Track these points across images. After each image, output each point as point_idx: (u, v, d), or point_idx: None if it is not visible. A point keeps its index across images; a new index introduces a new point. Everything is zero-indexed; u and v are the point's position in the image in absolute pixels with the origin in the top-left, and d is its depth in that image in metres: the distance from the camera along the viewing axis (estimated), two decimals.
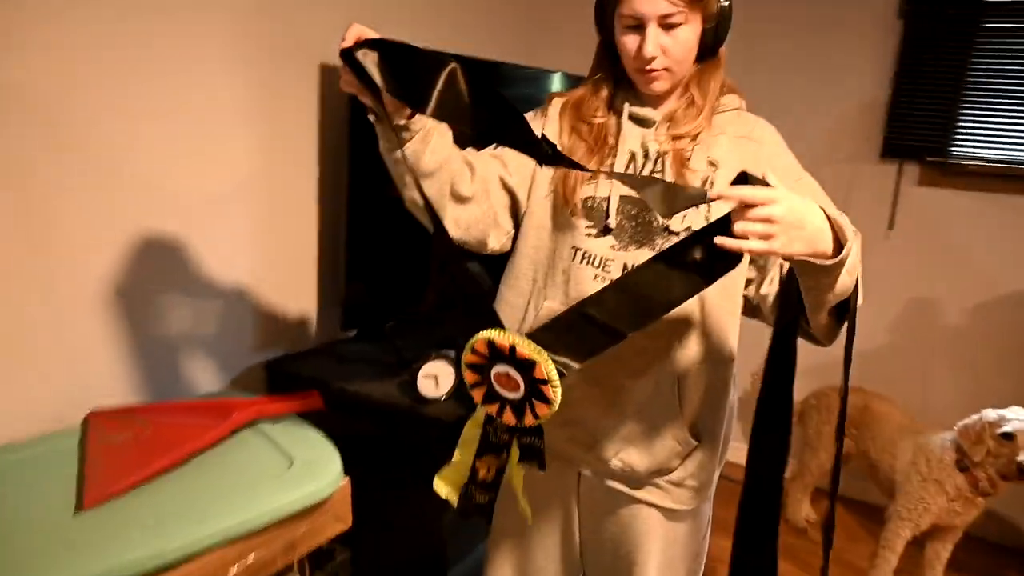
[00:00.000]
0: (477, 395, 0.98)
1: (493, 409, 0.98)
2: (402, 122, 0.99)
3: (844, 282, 0.89)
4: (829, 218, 0.87)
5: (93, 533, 0.98)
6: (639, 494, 1.18)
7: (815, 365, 2.91)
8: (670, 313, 0.98)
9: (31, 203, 1.27)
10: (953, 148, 2.66)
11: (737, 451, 3.05)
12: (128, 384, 1.48)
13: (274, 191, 1.71)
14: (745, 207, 0.82)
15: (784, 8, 2.87)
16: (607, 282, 1.10)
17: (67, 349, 1.37)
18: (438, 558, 1.58)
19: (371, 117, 1.02)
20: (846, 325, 0.96)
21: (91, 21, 1.30)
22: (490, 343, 0.93)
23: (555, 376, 0.91)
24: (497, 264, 1.26)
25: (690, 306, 1.08)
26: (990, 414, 2.01)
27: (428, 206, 1.04)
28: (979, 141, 2.62)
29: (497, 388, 0.96)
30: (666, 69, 1.07)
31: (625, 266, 1.11)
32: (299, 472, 1.16)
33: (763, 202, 0.81)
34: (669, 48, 1.04)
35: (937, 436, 2.16)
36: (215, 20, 1.51)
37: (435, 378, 1.56)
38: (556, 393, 0.92)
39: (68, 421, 1.34)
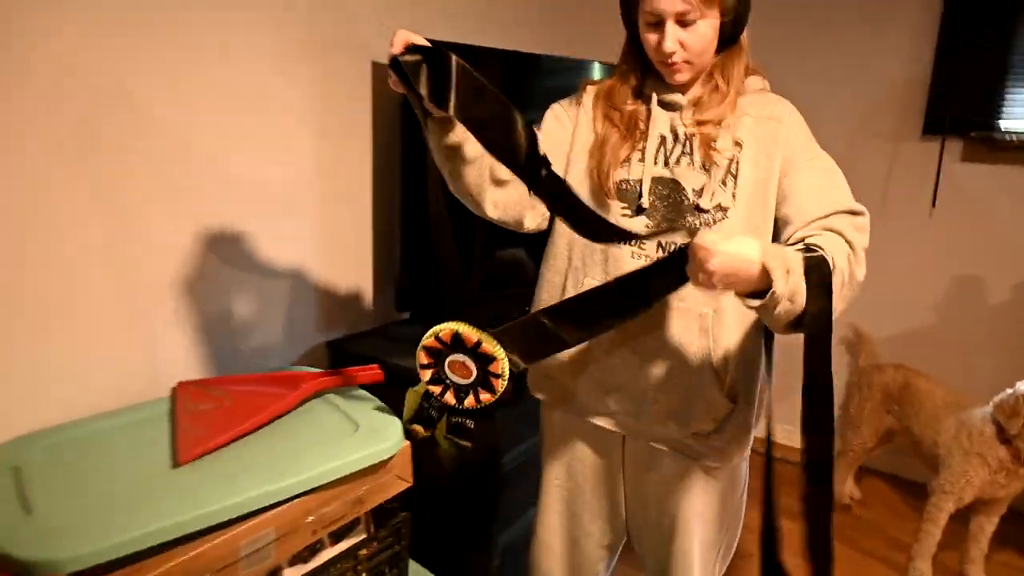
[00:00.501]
0: (425, 375, 1.13)
1: (436, 390, 1.13)
2: (444, 113, 1.09)
3: (786, 310, 0.97)
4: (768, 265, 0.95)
5: (190, 484, 1.11)
6: (680, 453, 1.27)
7: (866, 341, 2.94)
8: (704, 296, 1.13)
9: (112, 194, 1.40)
10: (999, 122, 2.64)
11: (784, 434, 3.10)
12: (205, 360, 1.62)
13: (332, 181, 1.84)
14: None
15: None
16: (643, 259, 1.19)
17: (151, 329, 1.51)
18: (488, 521, 1.69)
19: (418, 113, 1.12)
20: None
21: (158, 21, 1.43)
22: (456, 334, 1.08)
23: (507, 373, 1.07)
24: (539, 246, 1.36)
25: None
26: (1022, 387, 2.03)
27: (470, 191, 1.15)
28: (1020, 115, 2.60)
29: (448, 373, 1.12)
30: (686, 62, 1.15)
31: (659, 243, 1.19)
32: (365, 435, 1.27)
33: (700, 258, 0.93)
34: (687, 42, 1.12)
35: (978, 410, 2.19)
36: (272, 18, 1.63)
37: None
38: (502, 386, 1.08)
39: (156, 393, 1.48)
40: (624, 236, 1.17)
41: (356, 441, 1.25)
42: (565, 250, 1.29)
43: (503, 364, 1.07)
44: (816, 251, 1.01)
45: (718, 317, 1.19)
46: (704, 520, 1.31)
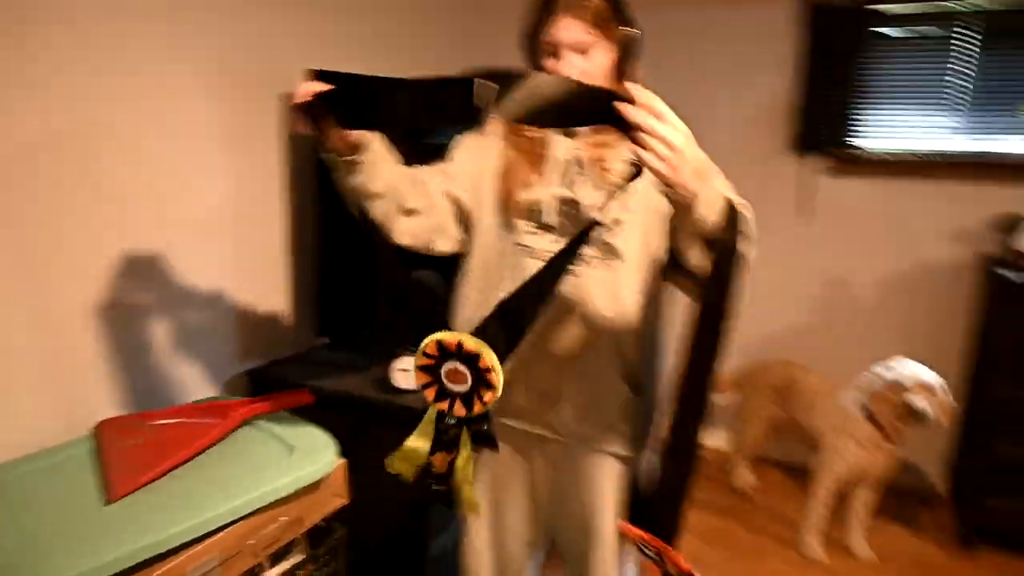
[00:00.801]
0: (429, 395, 1.10)
1: (444, 405, 1.11)
2: (351, 157, 1.16)
3: (707, 210, 1.03)
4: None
5: (126, 519, 1.13)
6: (594, 446, 1.39)
7: (750, 345, 3.21)
8: (603, 290, 1.24)
9: (21, 228, 1.39)
10: (852, 140, 2.98)
11: (711, 436, 3.31)
12: (125, 396, 1.61)
13: (247, 211, 1.86)
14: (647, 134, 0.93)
15: (698, 18, 3.16)
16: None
17: (66, 367, 1.49)
18: (420, 531, 1.75)
19: (326, 158, 1.20)
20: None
21: (80, 59, 1.43)
22: (439, 343, 1.07)
23: (497, 362, 1.06)
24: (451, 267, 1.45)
25: (617, 284, 1.29)
26: (882, 370, 2.31)
27: (381, 223, 1.23)
28: (874, 134, 2.95)
29: (447, 384, 1.10)
30: None
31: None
32: (300, 457, 1.32)
33: (671, 123, 0.93)
34: (585, 71, 1.25)
35: (851, 395, 2.45)
36: (188, 51, 1.65)
37: (408, 371, 1.74)
38: (499, 379, 1.07)
39: (75, 433, 1.46)
40: None
41: (292, 463, 1.30)
42: (481, 268, 1.39)
43: (489, 356, 1.06)
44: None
45: (620, 318, 1.32)
46: (618, 511, 1.43)
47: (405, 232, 1.33)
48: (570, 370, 1.34)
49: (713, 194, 1.02)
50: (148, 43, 1.57)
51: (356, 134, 1.16)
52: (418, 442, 1.15)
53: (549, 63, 1.26)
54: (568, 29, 1.22)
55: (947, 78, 2.79)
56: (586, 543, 1.45)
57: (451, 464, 1.18)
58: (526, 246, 1.33)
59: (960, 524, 2.65)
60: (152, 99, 1.59)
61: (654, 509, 1.12)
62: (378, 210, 1.27)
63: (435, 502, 1.79)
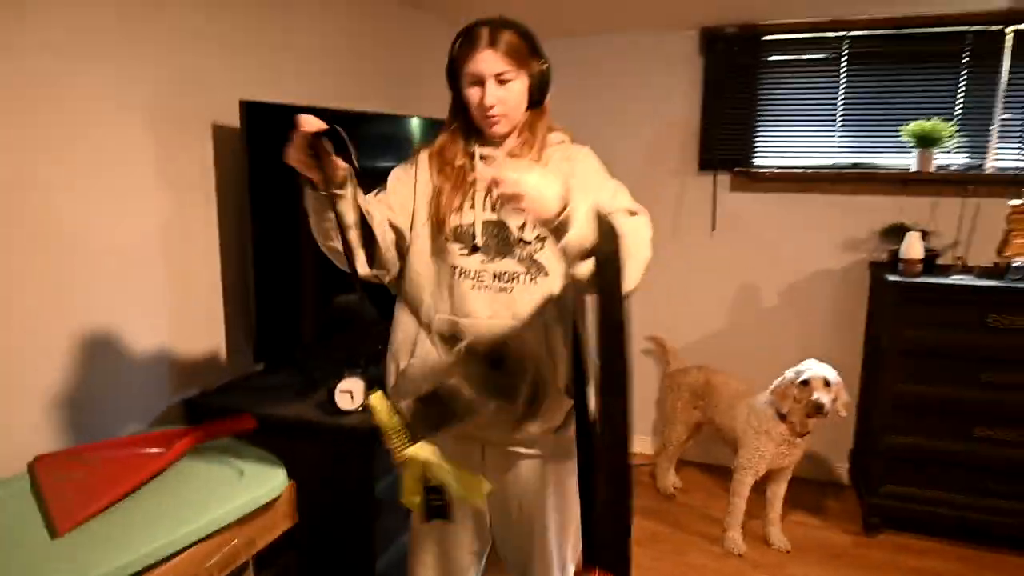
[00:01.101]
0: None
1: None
2: (337, 190, 1.24)
3: (575, 241, 1.14)
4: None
5: (76, 551, 1.13)
6: (533, 451, 1.48)
7: (670, 350, 3.37)
8: (533, 303, 1.36)
9: None
10: (754, 159, 3.22)
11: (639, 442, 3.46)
12: (57, 432, 1.58)
13: (179, 241, 1.86)
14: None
15: (616, 45, 3.35)
16: (483, 291, 1.39)
17: (2, 403, 1.46)
18: (367, 549, 1.79)
19: (308, 188, 1.26)
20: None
21: (14, 88, 1.43)
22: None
23: (398, 451, 1.19)
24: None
25: (545, 296, 1.40)
26: (789, 372, 2.51)
27: (347, 251, 1.29)
28: (772, 152, 3.20)
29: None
30: (503, 115, 1.39)
31: (494, 274, 1.40)
32: (249, 480, 1.35)
33: (510, 181, 1.10)
34: (504, 98, 1.37)
35: (762, 395, 2.65)
36: (118, 84, 1.66)
37: (350, 393, 1.78)
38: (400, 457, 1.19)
39: (8, 471, 1.43)
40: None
41: (243, 486, 1.33)
42: (418, 292, 1.46)
43: (388, 435, 1.20)
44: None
45: (550, 330, 1.41)
46: (559, 512, 1.53)
47: (362, 263, 1.38)
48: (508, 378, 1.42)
49: (578, 216, 1.14)
50: (81, 78, 1.56)
51: (343, 167, 1.23)
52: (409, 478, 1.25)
53: (472, 92, 1.38)
54: (487, 62, 1.34)
55: (833, 99, 3.07)
56: (528, 551, 1.53)
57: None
58: (459, 267, 1.42)
59: (863, 510, 2.89)
60: (84, 132, 1.59)
61: (604, 547, 1.21)
62: (350, 241, 1.32)
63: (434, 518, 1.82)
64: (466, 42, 1.37)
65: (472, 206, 1.43)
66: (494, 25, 1.36)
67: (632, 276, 1.22)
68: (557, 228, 1.15)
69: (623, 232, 1.17)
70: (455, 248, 1.42)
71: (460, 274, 1.42)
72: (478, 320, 1.39)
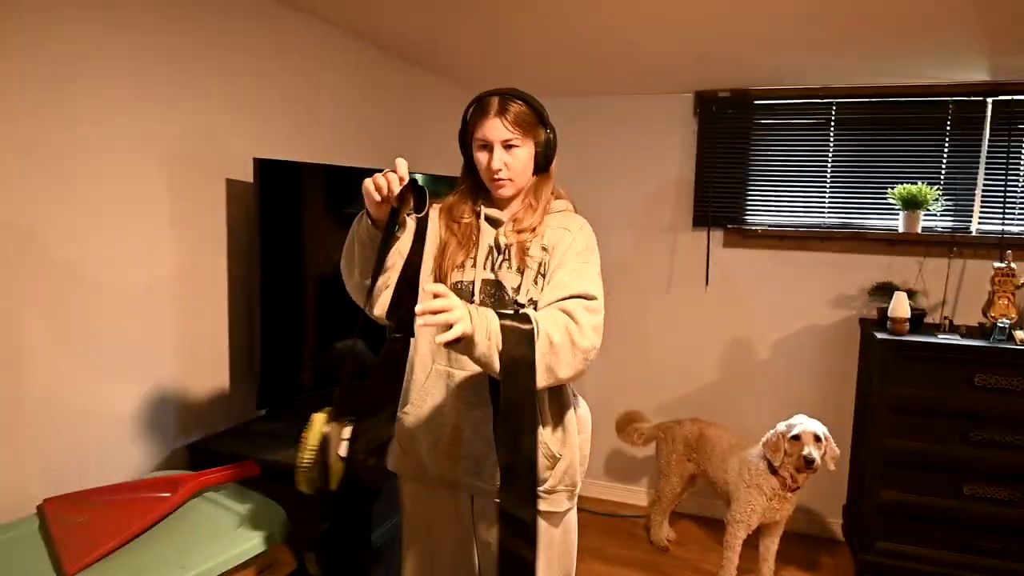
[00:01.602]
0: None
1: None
2: (397, 232, 1.38)
3: (483, 356, 1.27)
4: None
5: None
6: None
7: (664, 404, 3.43)
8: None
9: None
10: (746, 217, 3.33)
11: (603, 488, 3.52)
12: (65, 475, 1.63)
13: (189, 288, 1.94)
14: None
15: (616, 106, 3.48)
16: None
17: (8, 443, 1.51)
18: None
19: (367, 222, 1.38)
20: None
21: (29, 140, 1.52)
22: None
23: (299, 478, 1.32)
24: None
25: None
26: (781, 426, 2.56)
27: (375, 290, 1.40)
28: (762, 210, 3.31)
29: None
30: (509, 179, 1.49)
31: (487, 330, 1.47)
32: (252, 524, 1.39)
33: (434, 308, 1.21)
34: (510, 163, 1.47)
35: (755, 448, 2.68)
36: (141, 138, 1.75)
37: (347, 441, 1.83)
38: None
39: (18, 514, 1.48)
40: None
41: (245, 530, 1.37)
42: (422, 341, 1.53)
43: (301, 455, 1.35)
44: (526, 318, 1.33)
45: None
46: (545, 561, 1.56)
47: (382, 304, 1.47)
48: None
49: (485, 329, 1.27)
50: (100, 130, 1.66)
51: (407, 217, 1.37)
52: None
53: (481, 156, 1.48)
54: (495, 129, 1.45)
55: (823, 161, 3.19)
56: None
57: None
58: None
59: (856, 566, 2.90)
60: (102, 180, 1.67)
61: None
62: (380, 281, 1.42)
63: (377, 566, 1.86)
64: (478, 110, 1.48)
65: (474, 264, 1.51)
66: (504, 96, 1.47)
67: (566, 368, 1.35)
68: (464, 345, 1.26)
69: (546, 334, 1.32)
70: None
71: None
72: (471, 372, 1.47)
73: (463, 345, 1.25)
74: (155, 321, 1.85)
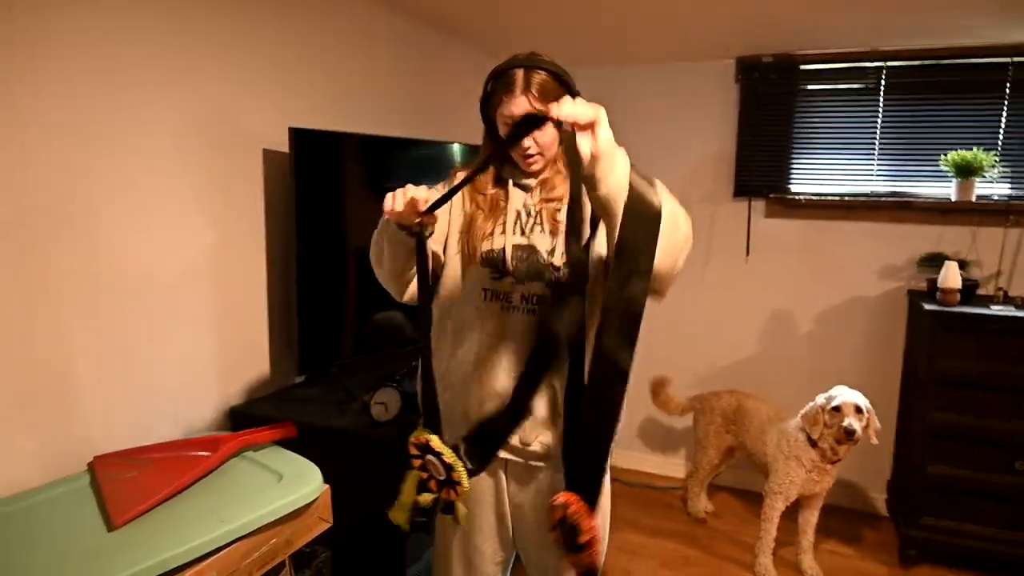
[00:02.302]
0: (416, 463, 1.38)
1: (425, 475, 1.37)
2: (427, 236, 1.35)
3: (610, 180, 1.15)
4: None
5: (132, 543, 1.22)
6: (554, 465, 1.53)
7: (702, 375, 3.40)
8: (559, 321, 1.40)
9: (16, 279, 1.49)
10: (789, 186, 3.24)
11: (639, 460, 3.53)
12: (115, 434, 1.70)
13: (230, 258, 1.99)
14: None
15: (653, 74, 3.42)
16: (511, 311, 1.46)
17: (63, 409, 1.58)
18: (398, 556, 1.86)
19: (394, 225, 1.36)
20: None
21: (70, 122, 1.56)
22: (426, 442, 1.33)
23: (466, 483, 1.32)
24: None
25: (571, 314, 1.44)
26: (820, 398, 2.51)
27: (406, 280, 1.44)
28: (806, 179, 3.22)
29: (429, 468, 1.36)
30: (539, 154, 1.46)
31: (523, 296, 1.46)
32: (288, 483, 1.43)
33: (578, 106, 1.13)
34: (540, 141, 1.43)
35: (794, 420, 2.64)
36: (175, 111, 1.79)
37: (384, 404, 1.87)
38: (464, 491, 1.33)
39: (73, 469, 1.55)
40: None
41: (282, 489, 1.41)
42: (449, 316, 1.52)
43: (461, 475, 1.32)
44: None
45: (572, 343, 1.44)
46: None
47: (409, 291, 1.49)
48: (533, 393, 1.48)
49: (621, 163, 1.17)
50: (136, 103, 1.70)
51: (434, 219, 1.34)
52: (405, 493, 1.41)
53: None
54: (523, 107, 1.39)
55: (871, 127, 3.08)
56: (552, 563, 1.58)
57: (434, 501, 1.40)
58: (489, 290, 1.48)
59: (899, 542, 2.84)
60: (141, 153, 1.72)
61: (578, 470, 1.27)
62: (411, 272, 1.44)
63: (416, 531, 1.90)
64: (500, 85, 1.41)
65: (503, 231, 1.50)
66: (528, 67, 1.40)
67: (668, 247, 1.21)
68: (596, 172, 1.15)
69: (663, 200, 1.19)
70: (485, 272, 1.49)
71: (491, 296, 1.48)
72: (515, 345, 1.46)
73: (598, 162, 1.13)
74: (197, 289, 1.90)
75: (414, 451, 1.37)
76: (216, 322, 1.97)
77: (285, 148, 2.01)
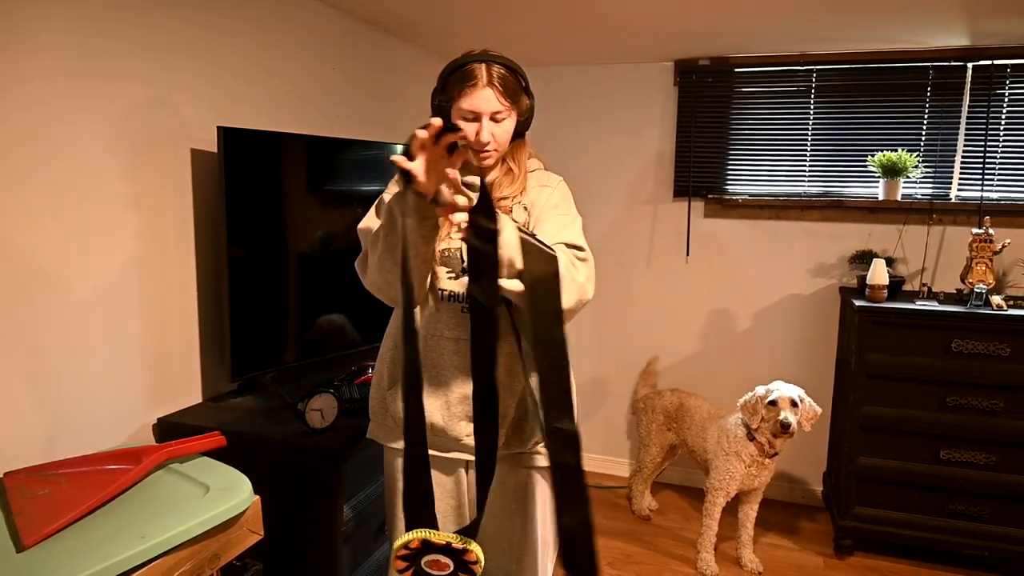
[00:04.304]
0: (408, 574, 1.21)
1: None
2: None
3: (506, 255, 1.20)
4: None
5: (42, 563, 1.15)
6: (520, 463, 1.52)
7: (640, 371, 3.42)
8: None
9: None
10: (727, 186, 3.30)
11: (588, 462, 3.51)
12: (28, 450, 1.60)
13: (157, 262, 1.90)
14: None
15: (596, 76, 3.44)
16: (468, 311, 1.43)
17: None
18: (332, 567, 1.81)
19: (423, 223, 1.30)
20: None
21: None
22: (424, 541, 1.18)
23: (481, 557, 1.19)
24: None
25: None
26: (759, 389, 2.56)
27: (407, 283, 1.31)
28: (743, 179, 3.29)
29: (425, 570, 1.21)
30: (495, 150, 1.45)
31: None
32: (215, 495, 1.37)
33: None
34: (497, 135, 1.43)
35: (732, 417, 2.69)
36: (98, 111, 1.70)
37: (320, 411, 1.82)
38: (480, 568, 1.20)
39: None
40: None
41: (208, 501, 1.35)
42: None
43: (477, 552, 1.19)
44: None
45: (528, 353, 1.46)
46: (542, 519, 1.56)
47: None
48: (504, 397, 1.46)
49: (507, 228, 1.22)
50: (52, 106, 1.61)
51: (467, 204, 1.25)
52: None
53: (468, 127, 1.41)
54: (487, 100, 1.39)
55: (803, 129, 3.16)
56: (514, 558, 1.56)
57: None
58: (447, 291, 1.47)
59: (834, 531, 2.92)
60: (59, 154, 1.63)
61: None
62: (417, 272, 1.38)
63: (349, 538, 1.85)
64: (461, 77, 1.40)
65: (458, 230, 1.46)
66: (489, 62, 1.40)
67: (567, 296, 1.26)
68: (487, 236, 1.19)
69: (556, 255, 1.25)
70: (442, 272, 1.47)
71: (448, 297, 1.47)
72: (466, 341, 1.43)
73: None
74: (122, 294, 1.81)
75: (402, 564, 1.21)
76: (141, 329, 1.88)
77: (214, 148, 1.94)
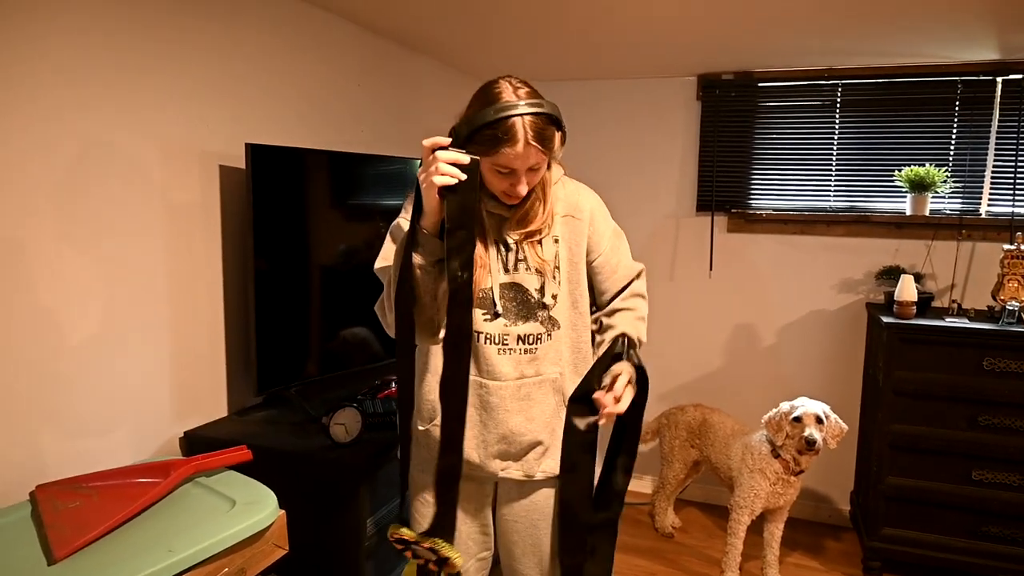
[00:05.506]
0: (409, 555, 1.44)
1: (420, 562, 1.43)
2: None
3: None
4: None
5: (73, 575, 1.17)
6: (545, 482, 1.52)
7: (667, 391, 3.41)
8: (551, 355, 1.50)
9: None
10: (750, 201, 3.28)
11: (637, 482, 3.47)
12: (58, 462, 1.63)
13: (184, 277, 1.93)
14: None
15: (613, 96, 3.44)
16: (508, 353, 1.44)
17: (3, 433, 1.51)
18: None
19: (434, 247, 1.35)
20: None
21: (17, 132, 1.51)
22: (401, 537, 1.41)
23: (457, 560, 1.38)
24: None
25: (559, 346, 1.48)
26: (784, 405, 2.53)
27: (424, 309, 1.40)
28: (767, 194, 3.26)
29: (420, 554, 1.42)
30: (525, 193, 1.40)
31: (518, 337, 1.44)
32: (242, 509, 1.38)
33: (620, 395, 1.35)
34: (531, 181, 1.38)
35: (757, 434, 2.66)
36: (128, 127, 1.74)
37: (344, 425, 1.82)
38: (458, 566, 1.39)
39: (12, 499, 1.48)
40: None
41: (235, 515, 1.36)
42: (438, 355, 1.45)
43: (451, 554, 1.38)
44: (632, 348, 1.43)
45: (563, 379, 1.49)
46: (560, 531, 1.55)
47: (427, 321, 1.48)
48: (536, 422, 1.48)
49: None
50: (89, 117, 1.65)
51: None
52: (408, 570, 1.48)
53: (499, 180, 1.35)
54: (526, 159, 1.31)
55: (828, 143, 3.14)
56: (534, 565, 1.55)
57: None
58: (483, 333, 1.44)
59: (863, 553, 2.87)
60: (91, 167, 1.66)
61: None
62: (436, 295, 1.42)
63: (373, 553, 1.86)
64: (495, 138, 1.29)
65: (489, 270, 1.43)
66: (533, 116, 1.29)
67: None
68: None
69: (638, 338, 1.51)
70: (478, 314, 1.43)
71: (485, 339, 1.45)
72: (506, 382, 1.45)
73: None
74: (149, 308, 1.84)
75: (398, 547, 1.43)
76: (171, 344, 1.91)
77: (242, 164, 1.97)
